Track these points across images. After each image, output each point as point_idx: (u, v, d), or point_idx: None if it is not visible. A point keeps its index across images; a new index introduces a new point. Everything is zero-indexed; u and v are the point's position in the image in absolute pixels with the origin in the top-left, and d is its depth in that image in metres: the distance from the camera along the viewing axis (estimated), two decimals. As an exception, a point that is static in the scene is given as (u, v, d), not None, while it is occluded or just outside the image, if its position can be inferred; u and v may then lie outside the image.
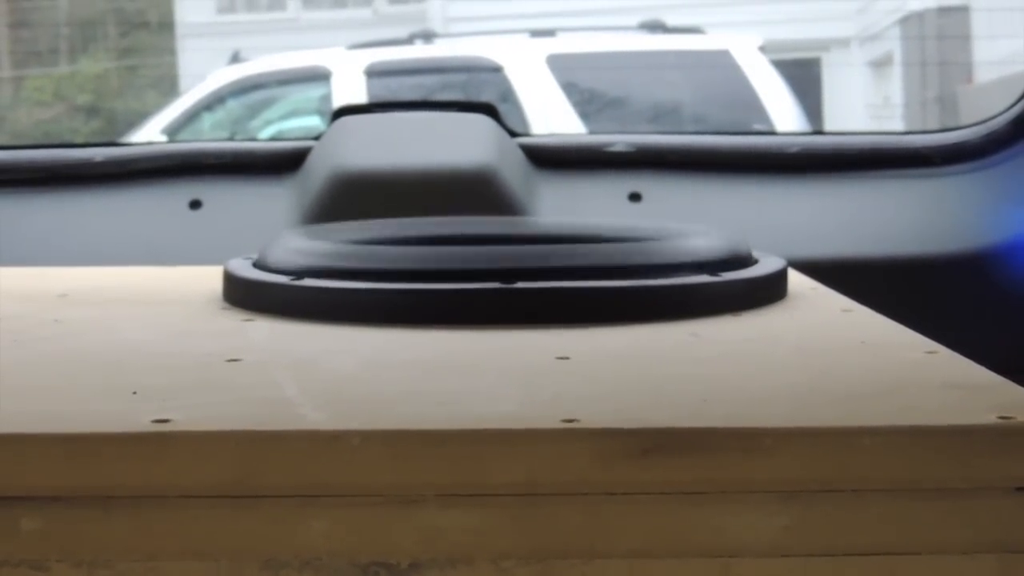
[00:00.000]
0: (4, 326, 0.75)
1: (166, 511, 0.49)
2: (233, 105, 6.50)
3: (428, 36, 6.82)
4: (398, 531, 0.49)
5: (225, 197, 1.32)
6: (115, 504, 0.49)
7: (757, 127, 5.60)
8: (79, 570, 0.50)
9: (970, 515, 0.50)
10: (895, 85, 9.50)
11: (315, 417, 0.53)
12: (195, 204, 1.32)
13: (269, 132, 6.25)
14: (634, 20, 6.72)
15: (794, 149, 1.37)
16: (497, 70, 6.17)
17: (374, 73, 6.22)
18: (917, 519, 0.50)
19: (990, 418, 0.51)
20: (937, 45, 8.82)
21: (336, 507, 0.50)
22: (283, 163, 1.34)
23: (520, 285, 0.74)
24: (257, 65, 6.62)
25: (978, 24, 8.50)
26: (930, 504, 0.50)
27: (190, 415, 0.52)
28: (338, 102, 5.72)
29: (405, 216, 1.15)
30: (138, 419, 0.51)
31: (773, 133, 4.73)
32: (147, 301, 0.85)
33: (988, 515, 0.50)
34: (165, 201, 1.33)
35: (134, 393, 0.56)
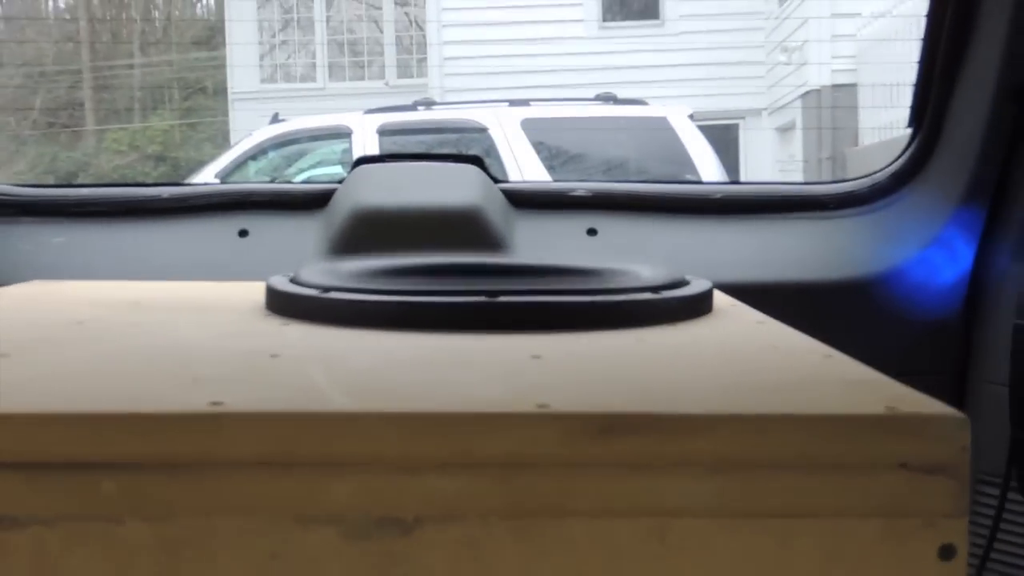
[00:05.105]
0: (89, 327, 0.74)
1: (219, 476, 0.49)
2: (273, 155, 6.50)
3: (429, 103, 6.83)
4: (405, 493, 0.49)
5: (267, 228, 1.32)
6: (178, 470, 0.49)
7: (688, 177, 5.62)
8: (148, 524, 0.49)
9: (862, 486, 0.50)
10: (797, 146, 9.54)
11: (340, 401, 0.52)
12: (243, 233, 1.31)
13: (302, 177, 6.24)
14: (591, 93, 6.74)
15: (717, 195, 1.37)
16: (483, 131, 6.18)
17: (385, 132, 6.22)
18: (818, 489, 0.50)
19: (878, 408, 0.51)
20: (831, 114, 8.87)
21: (355, 473, 0.49)
22: (313, 201, 1.34)
23: (503, 299, 0.74)
24: (292, 124, 6.62)
25: (864, 97, 8.55)
26: (829, 477, 0.50)
27: (239, 399, 0.52)
28: (357, 154, 5.72)
29: (410, 244, 1.15)
30: (197, 401, 0.51)
31: (700, 183, 4.75)
32: (204, 308, 0.85)
33: (876, 486, 0.50)
34: (219, 230, 1.32)
35: (194, 380, 0.56)
